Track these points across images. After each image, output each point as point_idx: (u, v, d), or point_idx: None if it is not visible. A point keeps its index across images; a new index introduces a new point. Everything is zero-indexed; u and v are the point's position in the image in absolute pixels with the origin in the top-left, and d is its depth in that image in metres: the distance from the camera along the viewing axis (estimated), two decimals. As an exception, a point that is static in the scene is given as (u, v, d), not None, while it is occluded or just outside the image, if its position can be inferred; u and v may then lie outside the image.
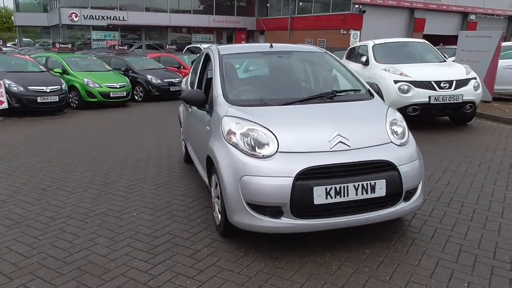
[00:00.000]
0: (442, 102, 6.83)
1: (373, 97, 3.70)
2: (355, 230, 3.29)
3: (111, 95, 11.40)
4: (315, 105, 3.45)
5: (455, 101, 6.83)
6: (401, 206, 3.05)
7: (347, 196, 2.85)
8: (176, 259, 3.00)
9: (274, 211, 2.86)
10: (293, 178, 2.81)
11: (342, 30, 26.30)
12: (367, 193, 2.89)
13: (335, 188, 2.83)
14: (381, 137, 3.13)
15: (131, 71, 13.49)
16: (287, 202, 2.81)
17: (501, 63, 9.74)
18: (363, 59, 8.33)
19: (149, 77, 13.09)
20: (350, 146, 2.98)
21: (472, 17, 30.75)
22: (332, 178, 2.85)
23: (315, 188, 2.81)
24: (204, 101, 3.73)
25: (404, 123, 3.34)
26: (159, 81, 13.10)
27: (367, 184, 2.88)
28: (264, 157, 2.91)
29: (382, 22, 25.92)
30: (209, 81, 4.06)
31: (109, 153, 6.04)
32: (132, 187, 4.53)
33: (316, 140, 3.00)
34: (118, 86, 11.78)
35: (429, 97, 6.80)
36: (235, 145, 3.02)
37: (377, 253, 3.04)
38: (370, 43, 8.76)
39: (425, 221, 3.57)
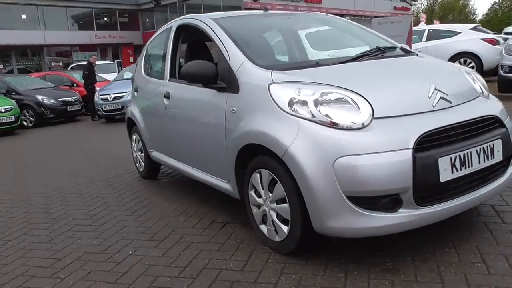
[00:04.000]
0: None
1: (415, 54, 3.05)
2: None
3: (-5, 122, 9.35)
4: (382, 60, 2.67)
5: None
6: (510, 173, 2.40)
7: (472, 165, 2.11)
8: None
9: (390, 202, 1.99)
10: (411, 149, 1.97)
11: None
12: (488, 159, 2.18)
13: (459, 156, 2.07)
14: (471, 90, 2.47)
15: (14, 93, 11.31)
16: (410, 185, 1.97)
17: (414, 46, 10.16)
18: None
19: (39, 97, 11.20)
20: (451, 102, 2.25)
21: (347, 18, 33.34)
22: (452, 144, 2.09)
23: (440, 160, 2.01)
24: (217, 75, 2.68)
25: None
26: (52, 101, 11.27)
27: (487, 147, 2.17)
28: (362, 127, 2.02)
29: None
30: (195, 56, 3.01)
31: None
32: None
33: (414, 97, 2.21)
34: (3, 110, 9.67)
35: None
36: (310, 118, 2.08)
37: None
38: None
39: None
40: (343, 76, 2.37)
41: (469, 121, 2.18)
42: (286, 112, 2.17)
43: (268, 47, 3.12)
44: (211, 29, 2.94)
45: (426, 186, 2.00)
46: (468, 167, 2.10)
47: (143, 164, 4.26)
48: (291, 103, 2.16)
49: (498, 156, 2.23)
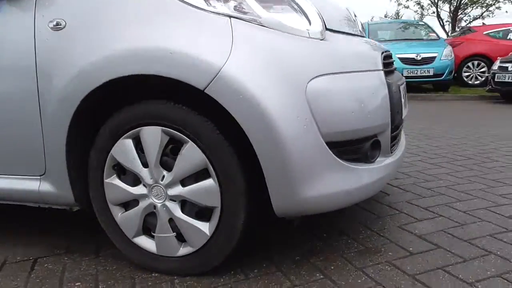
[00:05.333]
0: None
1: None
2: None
3: None
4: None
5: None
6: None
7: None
8: None
9: (371, 148, 1.35)
10: (382, 71, 1.42)
11: None
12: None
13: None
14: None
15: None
16: (388, 120, 1.40)
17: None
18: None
19: None
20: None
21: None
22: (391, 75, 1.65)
23: (401, 88, 1.55)
24: None
25: None
26: None
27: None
28: (322, 38, 1.29)
29: None
30: None
31: None
32: None
33: (351, 20, 1.66)
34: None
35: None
36: (252, 18, 1.20)
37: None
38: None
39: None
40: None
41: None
42: (203, 10, 1.20)
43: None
44: None
45: (396, 123, 1.48)
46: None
47: None
48: (211, -5, 1.21)
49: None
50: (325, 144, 1.19)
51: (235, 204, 1.22)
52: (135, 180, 1.33)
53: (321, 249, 1.47)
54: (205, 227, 1.26)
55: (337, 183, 1.23)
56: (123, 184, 1.33)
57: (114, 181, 1.34)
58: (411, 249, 1.45)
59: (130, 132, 1.28)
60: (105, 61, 1.22)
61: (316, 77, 1.19)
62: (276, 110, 1.13)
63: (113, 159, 1.32)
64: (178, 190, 1.26)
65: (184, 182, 1.26)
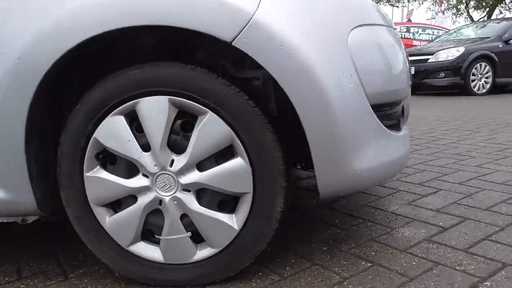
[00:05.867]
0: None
1: None
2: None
3: None
4: None
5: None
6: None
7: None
8: None
9: (401, 113, 1.20)
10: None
11: None
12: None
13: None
14: None
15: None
16: (408, 85, 1.27)
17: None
18: None
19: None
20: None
21: None
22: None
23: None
24: None
25: None
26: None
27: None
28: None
29: None
30: None
31: None
32: None
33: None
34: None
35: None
36: None
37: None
38: None
39: None
40: None
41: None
42: None
43: None
44: None
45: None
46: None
47: None
48: None
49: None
50: (370, 106, 1.01)
51: (271, 188, 0.97)
52: (130, 170, 1.01)
53: (346, 235, 1.29)
54: (232, 220, 1.00)
55: (383, 152, 1.05)
56: (113, 176, 1.01)
57: (99, 173, 1.01)
58: (440, 223, 1.34)
59: (121, 106, 0.96)
60: (98, 8, 0.90)
61: (357, 27, 1.00)
62: (322, 65, 0.92)
63: (97, 145, 0.99)
64: (194, 176, 0.98)
65: (201, 166, 0.98)
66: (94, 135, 0.98)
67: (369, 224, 1.37)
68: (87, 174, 1.01)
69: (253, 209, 0.99)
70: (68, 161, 1.01)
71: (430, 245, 1.18)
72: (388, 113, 1.12)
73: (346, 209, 1.52)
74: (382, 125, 1.05)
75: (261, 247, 1.01)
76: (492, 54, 6.99)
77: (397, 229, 1.31)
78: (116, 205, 1.05)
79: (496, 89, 7.14)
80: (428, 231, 1.28)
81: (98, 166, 1.02)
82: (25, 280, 1.13)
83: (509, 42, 7.20)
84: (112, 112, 0.97)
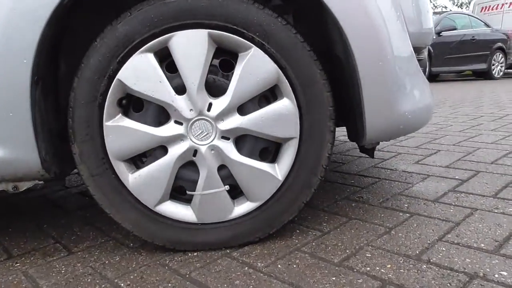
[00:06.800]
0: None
1: None
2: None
3: None
4: None
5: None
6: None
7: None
8: None
9: (426, 60, 1.18)
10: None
11: None
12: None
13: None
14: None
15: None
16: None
17: None
18: None
19: None
20: None
21: None
22: None
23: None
24: None
25: None
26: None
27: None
28: None
29: None
30: None
31: None
32: None
33: None
34: None
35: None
36: None
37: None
38: None
39: None
40: None
41: None
42: None
43: None
44: None
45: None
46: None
47: None
48: None
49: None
50: (412, 48, 0.97)
51: (319, 132, 0.90)
52: (159, 117, 0.89)
53: (368, 193, 1.25)
54: (275, 170, 0.91)
55: (423, 96, 1.01)
56: (140, 124, 0.88)
57: (123, 122, 0.87)
58: (457, 177, 1.34)
59: (151, 42, 0.84)
60: None
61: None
62: (375, 2, 0.86)
63: (121, 88, 0.86)
64: (235, 121, 0.87)
65: (242, 110, 0.88)
66: (118, 76, 0.84)
67: (387, 181, 1.34)
68: (107, 124, 0.87)
69: (299, 156, 0.91)
70: (83, 109, 0.86)
71: (458, 195, 1.18)
72: (419, 59, 1.09)
73: (355, 171, 1.48)
74: (420, 69, 1.01)
75: (305, 198, 0.94)
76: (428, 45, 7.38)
77: (418, 184, 1.29)
78: (139, 160, 0.93)
79: (430, 78, 7.59)
80: (449, 184, 1.27)
81: (120, 114, 0.88)
82: (18, 259, 0.97)
83: (440, 34, 7.62)
84: (140, 49, 0.84)
